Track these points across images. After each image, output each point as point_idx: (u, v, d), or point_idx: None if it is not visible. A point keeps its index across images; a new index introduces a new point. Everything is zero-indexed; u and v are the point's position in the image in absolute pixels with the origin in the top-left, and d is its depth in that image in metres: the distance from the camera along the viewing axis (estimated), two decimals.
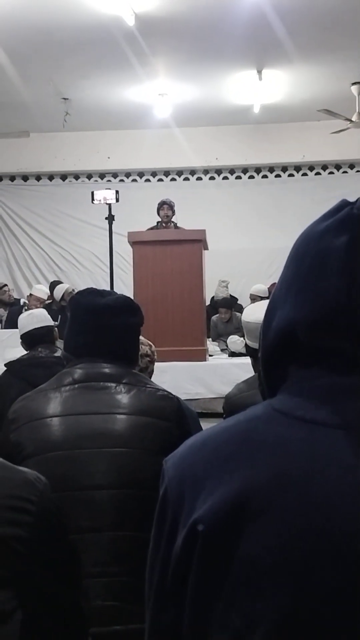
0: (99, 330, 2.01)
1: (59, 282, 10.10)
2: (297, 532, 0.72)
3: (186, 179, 11.74)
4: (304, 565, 0.71)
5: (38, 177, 11.79)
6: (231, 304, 9.42)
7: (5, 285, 9.56)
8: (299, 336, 0.81)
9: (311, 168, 11.59)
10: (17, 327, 4.19)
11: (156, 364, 3.14)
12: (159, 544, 0.83)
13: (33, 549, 1.13)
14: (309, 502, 0.72)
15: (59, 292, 9.09)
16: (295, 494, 0.73)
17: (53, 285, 9.91)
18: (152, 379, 2.31)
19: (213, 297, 9.92)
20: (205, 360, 7.45)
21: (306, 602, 0.70)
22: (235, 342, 8.10)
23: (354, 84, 9.15)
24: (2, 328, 8.42)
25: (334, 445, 0.74)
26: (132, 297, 2.22)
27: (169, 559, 0.80)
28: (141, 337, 2.32)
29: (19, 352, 4.25)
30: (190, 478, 0.80)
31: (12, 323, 8.00)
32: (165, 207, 8.69)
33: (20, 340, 4.07)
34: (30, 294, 9.26)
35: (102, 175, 11.67)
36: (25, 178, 11.80)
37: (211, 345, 8.24)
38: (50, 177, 11.78)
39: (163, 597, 0.81)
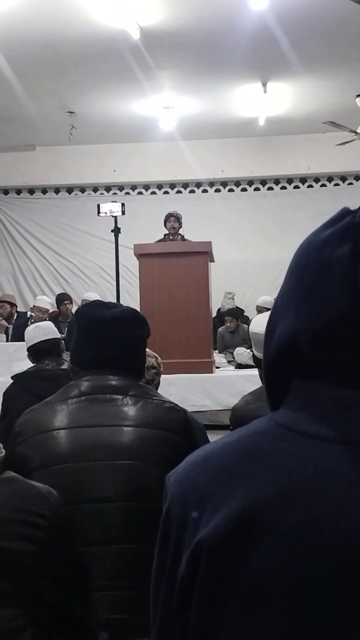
0: (105, 342, 2.00)
1: (65, 295, 10.11)
2: (302, 552, 0.70)
3: (192, 191, 11.77)
4: (309, 587, 0.70)
5: (44, 191, 11.84)
6: (237, 314, 9.42)
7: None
8: (302, 348, 0.79)
9: (316, 180, 11.61)
10: (23, 340, 4.19)
11: (163, 376, 3.14)
12: (163, 563, 0.81)
13: (43, 564, 1.12)
14: (314, 521, 0.71)
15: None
16: (300, 512, 0.72)
17: (59, 298, 9.92)
18: (159, 391, 2.30)
19: (219, 309, 9.92)
20: (212, 372, 7.44)
21: (311, 623, 0.69)
22: (242, 353, 8.09)
23: (358, 96, 9.18)
24: (8, 341, 8.42)
25: (339, 461, 0.73)
26: (138, 309, 2.21)
27: (174, 579, 0.78)
28: (147, 349, 2.31)
29: (26, 364, 4.26)
30: (193, 496, 0.79)
31: (18, 336, 8.01)
32: (172, 219, 8.70)
33: (27, 353, 4.07)
34: (34, 305, 9.27)
35: (108, 188, 11.70)
36: (31, 191, 11.85)
37: (218, 357, 8.23)
38: (57, 190, 11.82)
39: (169, 618, 0.80)
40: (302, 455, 0.75)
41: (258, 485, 0.74)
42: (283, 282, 0.85)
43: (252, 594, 0.71)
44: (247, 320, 9.49)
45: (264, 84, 8.87)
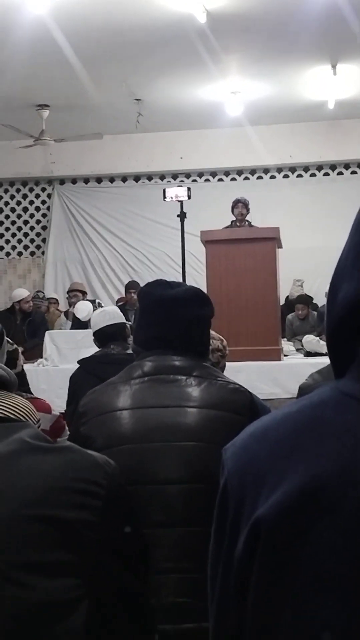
0: (168, 321, 1.96)
1: (132, 283, 10.15)
2: None
3: (259, 177, 11.65)
4: None
5: (111, 179, 11.90)
6: (308, 301, 9.31)
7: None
8: None
9: None
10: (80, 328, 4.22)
11: (230, 363, 3.10)
12: (220, 542, 0.78)
13: (102, 535, 1.09)
14: None
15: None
16: None
17: (128, 287, 9.99)
18: None
19: (288, 297, 9.80)
20: (280, 360, 7.36)
21: None
22: (311, 341, 7.98)
23: None
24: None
25: None
26: None
27: (232, 561, 0.74)
28: (212, 332, 2.28)
29: (93, 351, 4.28)
30: (251, 472, 0.75)
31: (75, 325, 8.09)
32: (240, 205, 8.62)
33: (93, 338, 4.09)
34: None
35: (174, 176, 11.69)
36: (99, 180, 11.93)
37: (286, 345, 8.14)
38: (124, 179, 11.86)
39: (226, 601, 0.76)
40: None
41: (321, 460, 0.69)
42: (347, 240, 0.80)
43: (314, 576, 0.67)
44: (316, 308, 9.36)
45: (334, 66, 8.68)
